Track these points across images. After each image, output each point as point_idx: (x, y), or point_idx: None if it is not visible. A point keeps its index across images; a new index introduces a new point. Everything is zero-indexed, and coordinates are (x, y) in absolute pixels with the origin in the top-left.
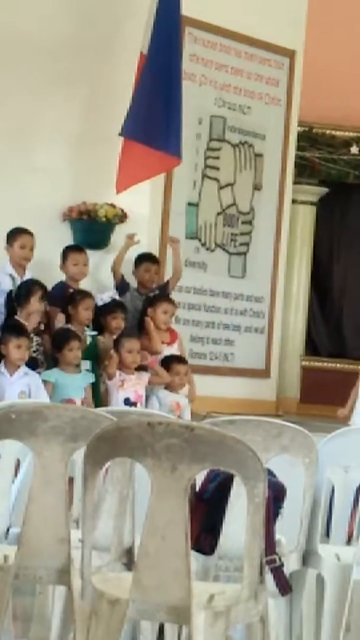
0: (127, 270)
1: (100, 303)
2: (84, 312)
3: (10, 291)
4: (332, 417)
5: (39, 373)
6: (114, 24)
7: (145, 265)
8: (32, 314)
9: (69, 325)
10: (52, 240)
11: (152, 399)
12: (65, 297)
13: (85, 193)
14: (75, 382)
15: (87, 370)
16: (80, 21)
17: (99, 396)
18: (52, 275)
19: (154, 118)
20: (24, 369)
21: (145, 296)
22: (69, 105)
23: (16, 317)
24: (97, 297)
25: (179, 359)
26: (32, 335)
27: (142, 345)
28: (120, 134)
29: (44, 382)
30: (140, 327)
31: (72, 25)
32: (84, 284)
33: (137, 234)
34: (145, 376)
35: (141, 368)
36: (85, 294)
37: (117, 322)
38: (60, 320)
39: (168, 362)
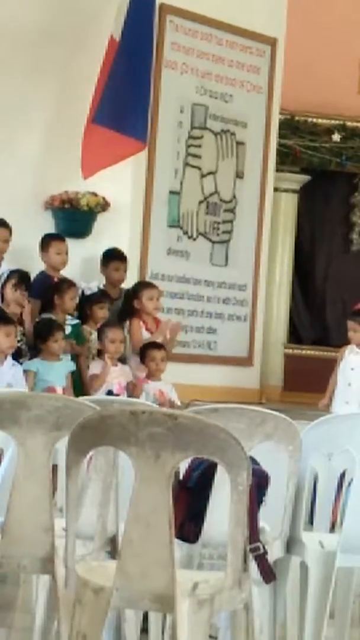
0: (94, 265)
1: (88, 292)
2: (70, 302)
3: None
4: (316, 404)
5: (21, 363)
6: (90, 11)
7: (114, 264)
8: (9, 301)
9: (51, 315)
10: (34, 229)
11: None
12: (46, 286)
13: (67, 182)
14: (56, 370)
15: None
16: (55, 9)
17: (79, 386)
18: (34, 264)
19: (122, 104)
20: (10, 359)
21: (124, 291)
22: (49, 93)
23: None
24: (83, 286)
25: (155, 345)
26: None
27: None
28: (92, 121)
29: (26, 372)
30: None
31: (47, 13)
32: (66, 273)
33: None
34: (127, 368)
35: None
36: (71, 283)
37: (104, 312)
38: (34, 310)
39: (144, 349)
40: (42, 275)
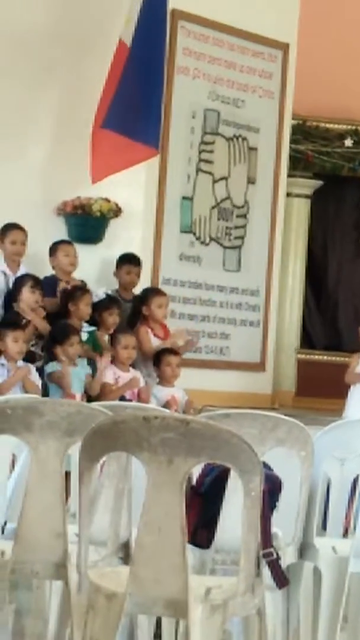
0: (106, 271)
1: (95, 299)
2: (85, 308)
3: (8, 292)
4: (328, 410)
5: (37, 368)
6: (98, 15)
7: (126, 267)
8: (27, 304)
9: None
10: (46, 235)
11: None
12: (53, 286)
13: (79, 187)
14: (74, 374)
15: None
16: (62, 13)
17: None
18: (46, 269)
19: (133, 109)
20: (21, 362)
21: (133, 297)
22: (59, 97)
23: (15, 308)
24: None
25: (170, 350)
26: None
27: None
28: (102, 126)
29: (51, 374)
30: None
31: (55, 17)
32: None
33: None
34: (139, 374)
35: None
36: (85, 290)
37: (114, 318)
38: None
39: (159, 354)
40: (52, 277)
